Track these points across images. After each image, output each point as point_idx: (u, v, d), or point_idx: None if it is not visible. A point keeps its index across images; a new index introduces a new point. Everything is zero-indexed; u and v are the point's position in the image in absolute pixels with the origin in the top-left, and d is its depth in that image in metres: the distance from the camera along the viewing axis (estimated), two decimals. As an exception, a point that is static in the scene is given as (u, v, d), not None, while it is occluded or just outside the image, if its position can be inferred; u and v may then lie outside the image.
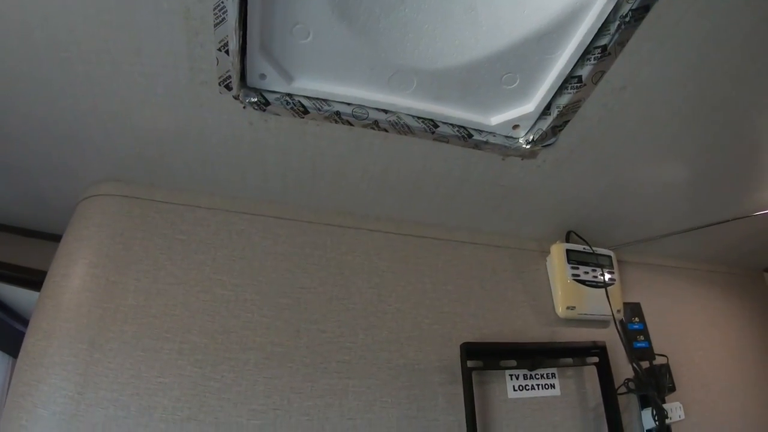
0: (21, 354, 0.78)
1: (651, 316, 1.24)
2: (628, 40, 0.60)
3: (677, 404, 1.11)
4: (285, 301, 0.90)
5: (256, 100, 0.69)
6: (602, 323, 1.12)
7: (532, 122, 0.77)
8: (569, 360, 1.02)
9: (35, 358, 0.75)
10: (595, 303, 1.09)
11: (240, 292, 0.88)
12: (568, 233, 1.16)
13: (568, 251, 1.11)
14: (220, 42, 0.60)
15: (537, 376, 1.00)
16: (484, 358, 0.95)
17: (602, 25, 0.59)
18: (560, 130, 0.77)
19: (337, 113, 0.72)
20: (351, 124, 0.74)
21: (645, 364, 1.13)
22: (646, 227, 1.19)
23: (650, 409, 1.02)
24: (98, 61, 0.64)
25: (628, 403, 1.07)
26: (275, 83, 0.68)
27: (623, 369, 1.08)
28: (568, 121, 0.75)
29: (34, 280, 1.14)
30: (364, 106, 0.72)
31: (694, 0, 0.56)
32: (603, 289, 1.09)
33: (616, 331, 1.09)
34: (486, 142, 0.79)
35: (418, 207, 1.02)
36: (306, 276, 0.94)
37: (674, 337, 1.25)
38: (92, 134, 0.79)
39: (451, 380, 0.93)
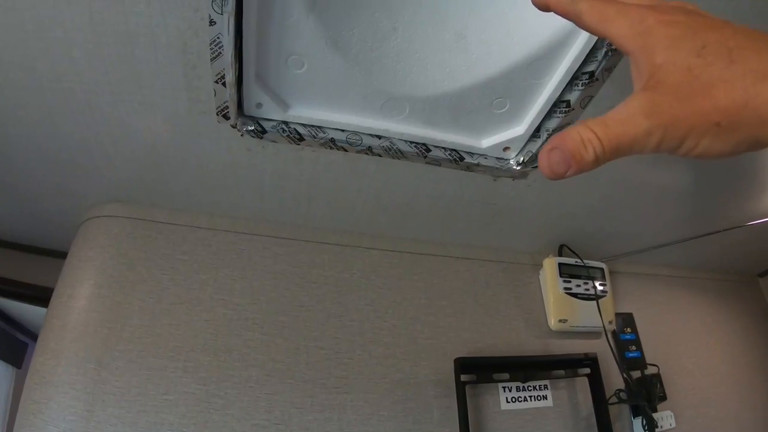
0: (30, 372, 0.81)
1: (643, 326, 1.26)
2: (615, 66, 0.61)
3: (668, 413, 1.13)
4: (284, 319, 0.92)
5: (253, 128, 0.71)
6: (595, 334, 1.14)
7: (523, 144, 0.79)
8: (561, 372, 1.04)
9: (44, 376, 0.78)
10: (587, 315, 1.11)
11: (241, 311, 0.90)
12: (561, 247, 1.18)
13: (560, 265, 1.13)
14: (216, 75, 0.62)
15: (529, 388, 1.02)
16: (477, 372, 0.97)
17: (590, 51, 0.60)
18: (550, 152, 0.79)
19: (332, 140, 0.73)
20: (346, 150, 0.76)
21: (637, 374, 1.15)
22: (639, 239, 1.21)
23: (641, 418, 1.05)
24: (99, 91, 0.66)
25: (619, 412, 1.09)
26: (271, 111, 0.70)
27: (615, 379, 1.10)
28: (557, 143, 0.77)
29: (39, 296, 1.17)
30: (358, 132, 0.74)
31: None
32: (595, 302, 1.12)
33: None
34: (477, 165, 0.81)
35: (413, 225, 1.04)
36: (304, 294, 0.96)
37: (667, 346, 1.27)
38: (94, 159, 0.81)
39: (446, 393, 0.95)
